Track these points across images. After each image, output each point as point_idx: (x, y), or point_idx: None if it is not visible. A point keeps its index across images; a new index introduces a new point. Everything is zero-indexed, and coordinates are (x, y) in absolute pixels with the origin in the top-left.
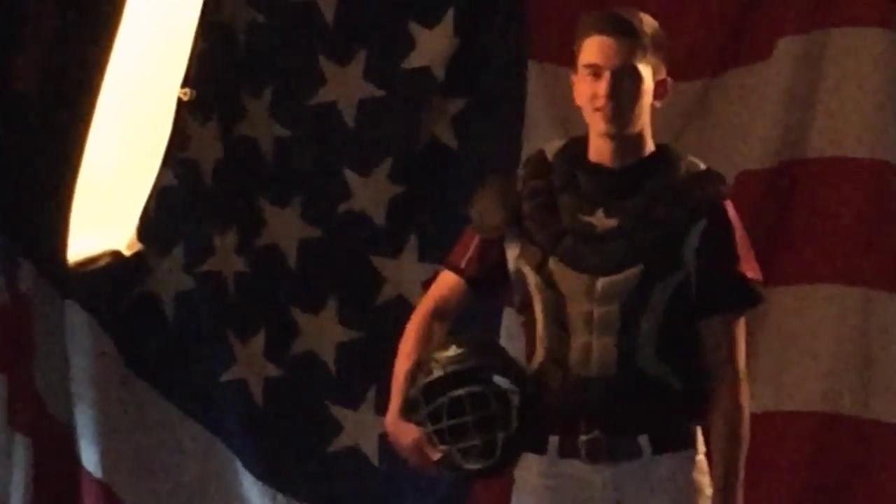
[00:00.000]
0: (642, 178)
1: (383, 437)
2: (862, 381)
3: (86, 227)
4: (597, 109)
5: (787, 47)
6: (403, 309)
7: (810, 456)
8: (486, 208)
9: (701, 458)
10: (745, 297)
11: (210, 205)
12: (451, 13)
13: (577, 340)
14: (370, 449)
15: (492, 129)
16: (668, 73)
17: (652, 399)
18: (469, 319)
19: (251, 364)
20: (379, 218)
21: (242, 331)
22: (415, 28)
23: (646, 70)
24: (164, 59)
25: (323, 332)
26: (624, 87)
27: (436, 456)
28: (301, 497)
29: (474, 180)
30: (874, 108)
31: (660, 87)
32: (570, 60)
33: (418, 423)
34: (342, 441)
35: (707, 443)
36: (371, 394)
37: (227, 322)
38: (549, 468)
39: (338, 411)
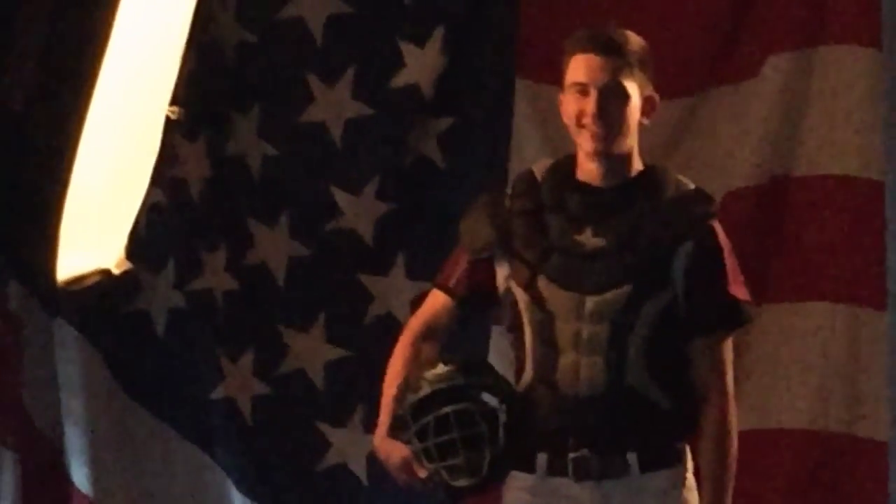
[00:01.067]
0: (631, 197)
1: (372, 455)
2: (849, 398)
3: (75, 245)
4: (584, 127)
5: (776, 65)
6: (392, 327)
7: (797, 473)
8: (474, 228)
9: (689, 475)
10: (733, 318)
11: (199, 223)
12: (440, 31)
13: (566, 359)
14: (359, 467)
15: (479, 147)
16: (657, 90)
17: (640, 417)
18: (457, 337)
19: (240, 382)
20: (367, 236)
21: (232, 349)
22: (404, 46)
23: (633, 87)
24: (153, 78)
25: (312, 350)
26: (611, 104)
27: (423, 474)
28: None
29: (462, 198)
30: (862, 126)
31: (647, 103)
32: (558, 79)
33: (406, 442)
34: (331, 459)
35: (695, 460)
36: (359, 412)
37: (216, 340)
38: (537, 486)
39: (326, 429)
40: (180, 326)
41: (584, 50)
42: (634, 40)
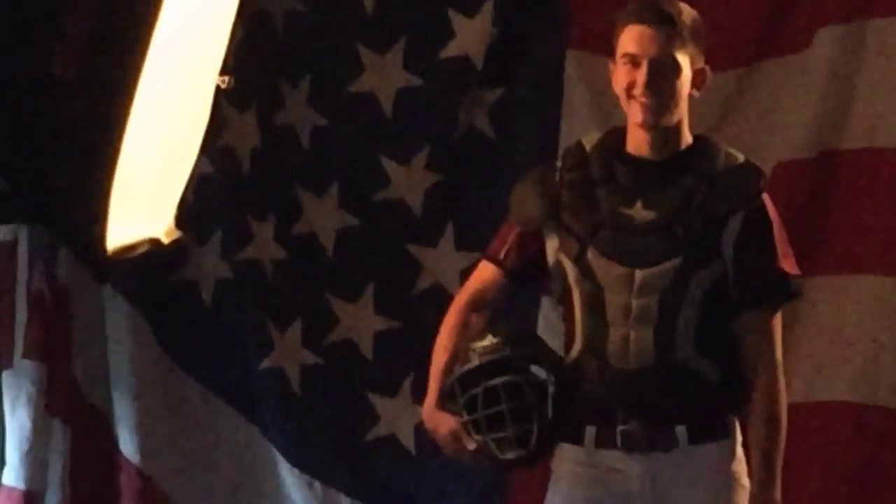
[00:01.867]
0: (681, 169)
1: (420, 426)
2: None
3: (124, 215)
4: (634, 99)
5: (826, 37)
6: (440, 297)
7: (846, 447)
8: (524, 200)
9: (738, 448)
10: (783, 292)
11: (248, 193)
12: (490, 2)
13: (615, 332)
14: (407, 438)
15: (530, 118)
16: (707, 63)
17: (689, 390)
18: (506, 309)
19: (288, 352)
20: (416, 206)
21: (280, 319)
22: (454, 17)
23: (684, 60)
24: (203, 48)
25: (360, 321)
26: (662, 76)
27: (472, 445)
28: (338, 485)
29: (511, 170)
30: None
31: (698, 76)
32: (608, 50)
33: (455, 413)
34: (379, 430)
35: (744, 433)
36: (408, 383)
37: (264, 310)
38: (586, 458)
39: (375, 400)
40: (228, 296)
41: (636, 21)
42: (687, 12)
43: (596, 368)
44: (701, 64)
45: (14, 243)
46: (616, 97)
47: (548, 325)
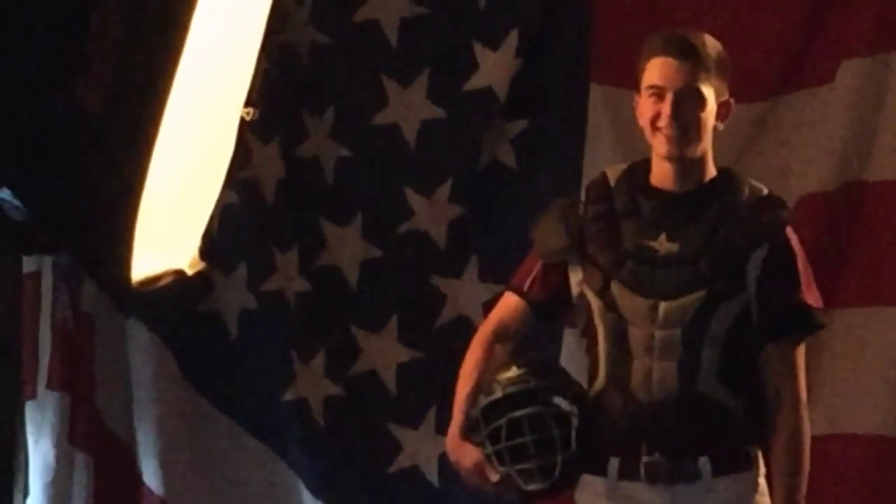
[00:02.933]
0: (705, 202)
1: (443, 458)
2: None
3: (149, 246)
4: (659, 131)
5: (850, 71)
6: (464, 329)
7: (870, 479)
8: (548, 233)
9: (762, 480)
10: (806, 325)
11: (272, 224)
12: (514, 35)
13: (639, 364)
14: (430, 469)
15: (553, 150)
16: (731, 95)
17: (712, 422)
18: (530, 341)
19: (312, 383)
20: (440, 238)
21: (304, 350)
22: (478, 49)
23: (709, 92)
24: (228, 79)
25: (384, 352)
26: (686, 108)
27: (495, 477)
28: None
29: (535, 202)
30: None
31: (722, 108)
32: (632, 84)
33: (478, 444)
34: (402, 461)
35: (767, 465)
36: (431, 414)
37: (288, 341)
38: (610, 489)
39: (398, 431)
40: (252, 327)
41: (661, 53)
42: (711, 44)
43: (619, 400)
44: (725, 96)
45: (38, 274)
46: (639, 129)
47: (571, 356)
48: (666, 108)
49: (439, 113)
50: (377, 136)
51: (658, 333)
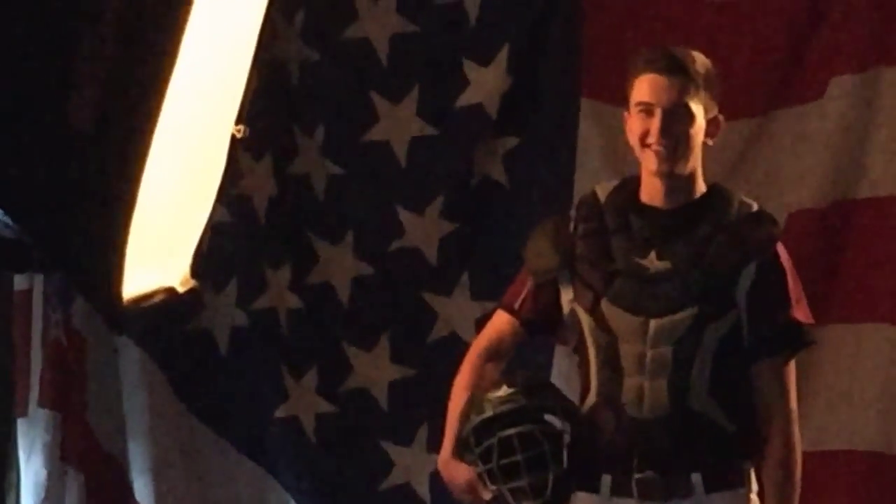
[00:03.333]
0: (695, 218)
1: (435, 475)
2: None
3: (140, 263)
4: (648, 147)
5: (840, 87)
6: (455, 346)
7: (861, 495)
8: (539, 251)
9: (753, 496)
10: (796, 341)
11: (263, 241)
12: (504, 51)
13: (630, 382)
14: (422, 486)
15: (544, 167)
16: (721, 112)
17: (704, 439)
18: (521, 358)
19: (304, 400)
20: (431, 255)
21: (295, 367)
22: (469, 66)
23: (698, 108)
24: (219, 97)
25: (375, 369)
26: (676, 125)
27: (488, 495)
28: None
29: (526, 218)
30: None
31: (712, 125)
32: (622, 99)
33: (470, 463)
34: (394, 479)
35: (759, 481)
36: (423, 431)
37: (280, 358)
38: None
39: (390, 448)
40: (243, 345)
41: (650, 70)
42: (700, 61)
43: (611, 418)
44: (715, 113)
45: (30, 292)
46: (630, 146)
47: (562, 373)
48: (655, 124)
49: (430, 130)
50: (368, 154)
51: (649, 351)
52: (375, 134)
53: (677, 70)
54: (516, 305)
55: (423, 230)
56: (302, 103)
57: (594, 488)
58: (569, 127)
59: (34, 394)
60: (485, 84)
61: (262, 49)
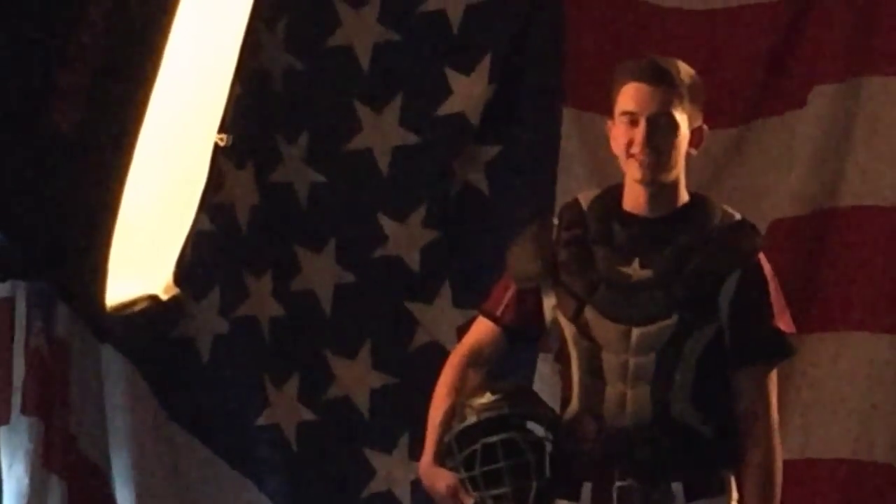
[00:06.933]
0: (677, 227)
1: (417, 483)
2: (893, 428)
3: (123, 271)
4: (632, 156)
5: (821, 96)
6: (437, 354)
7: (841, 502)
8: (522, 258)
9: None
10: (777, 350)
11: (246, 249)
12: (487, 60)
13: (612, 389)
14: (404, 494)
15: (526, 175)
16: (704, 121)
17: (685, 447)
18: (503, 365)
19: (285, 408)
20: (413, 263)
21: (277, 375)
22: (451, 74)
23: (682, 118)
24: (202, 105)
25: (357, 377)
26: (660, 134)
27: (469, 502)
28: None
29: (508, 227)
30: None
31: (696, 134)
32: (605, 108)
33: (452, 469)
34: (376, 486)
35: (740, 490)
36: (405, 439)
37: (261, 366)
38: None
39: (372, 456)
40: (225, 352)
41: (635, 79)
42: (685, 70)
43: (593, 425)
44: (699, 122)
45: (12, 300)
46: (612, 154)
47: (544, 381)
48: (639, 133)
49: (412, 138)
50: (350, 162)
51: (632, 359)
52: (358, 142)
53: (662, 79)
54: (498, 312)
55: (406, 238)
56: (284, 112)
57: (575, 496)
58: (550, 135)
59: (16, 402)
60: (467, 93)
61: (244, 58)
